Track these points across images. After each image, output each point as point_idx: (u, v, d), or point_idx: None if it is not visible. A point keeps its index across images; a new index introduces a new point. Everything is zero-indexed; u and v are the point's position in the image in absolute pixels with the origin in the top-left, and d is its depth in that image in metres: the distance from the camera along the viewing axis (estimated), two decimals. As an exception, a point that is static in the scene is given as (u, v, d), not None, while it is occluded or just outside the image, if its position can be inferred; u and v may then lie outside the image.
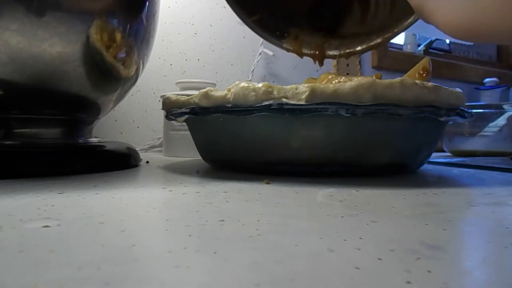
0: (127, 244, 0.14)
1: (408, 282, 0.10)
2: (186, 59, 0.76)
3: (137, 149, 0.47)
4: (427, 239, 0.14)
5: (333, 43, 0.47)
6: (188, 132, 0.42)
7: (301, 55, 0.47)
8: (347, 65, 0.95)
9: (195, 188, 0.26)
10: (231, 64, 0.81)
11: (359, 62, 0.97)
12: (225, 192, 0.25)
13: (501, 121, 0.64)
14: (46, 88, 0.33)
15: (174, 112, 0.36)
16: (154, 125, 0.72)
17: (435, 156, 0.61)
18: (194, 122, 0.38)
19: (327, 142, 0.30)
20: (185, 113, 0.34)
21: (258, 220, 0.17)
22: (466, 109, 0.33)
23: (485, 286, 0.11)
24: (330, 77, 0.36)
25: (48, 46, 0.31)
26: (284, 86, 0.29)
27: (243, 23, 0.48)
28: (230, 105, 0.30)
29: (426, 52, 1.14)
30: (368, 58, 1.01)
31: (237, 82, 0.30)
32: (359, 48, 0.46)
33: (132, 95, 0.69)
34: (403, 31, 0.43)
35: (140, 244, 0.14)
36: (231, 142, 0.34)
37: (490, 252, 0.14)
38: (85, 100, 0.37)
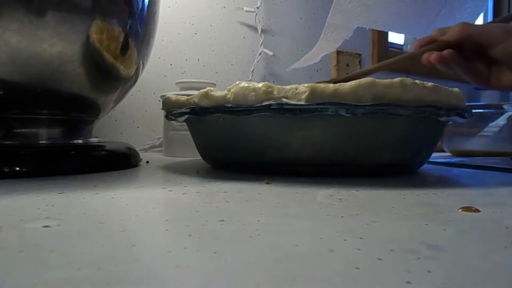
0: (127, 244, 0.14)
1: (408, 282, 0.10)
2: (186, 59, 0.76)
3: (137, 149, 0.47)
4: (427, 239, 0.14)
5: None
6: (188, 132, 0.42)
7: None
8: (347, 65, 0.95)
9: (195, 188, 0.26)
10: (231, 64, 0.81)
11: (359, 62, 0.97)
12: (225, 192, 0.25)
13: (501, 121, 0.64)
14: (46, 88, 0.33)
15: (174, 112, 0.36)
16: (154, 125, 0.72)
17: (435, 156, 0.61)
18: (194, 122, 0.38)
19: (327, 142, 0.30)
20: (185, 113, 0.34)
21: (258, 220, 0.17)
22: (466, 109, 0.33)
23: (485, 286, 0.11)
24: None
25: (48, 46, 0.31)
26: (284, 86, 0.29)
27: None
28: (230, 105, 0.30)
29: (426, 52, 1.14)
30: (368, 59, 1.01)
31: (237, 82, 0.30)
32: None
33: (132, 95, 0.69)
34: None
35: (140, 244, 0.14)
36: (231, 142, 0.34)
37: (490, 252, 0.14)
38: (85, 100, 0.37)
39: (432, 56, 0.43)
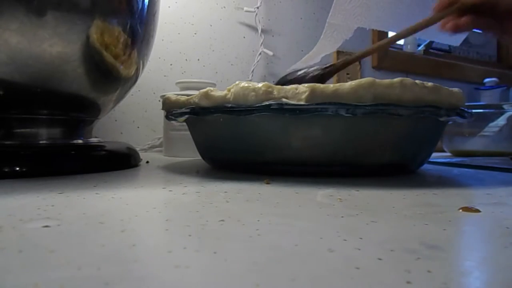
0: (127, 244, 0.14)
1: (408, 282, 0.10)
2: (186, 59, 0.76)
3: (137, 149, 0.47)
4: (427, 239, 0.14)
5: None
6: (188, 132, 0.42)
7: None
8: (347, 65, 0.94)
9: (195, 188, 0.26)
10: (231, 64, 0.81)
11: (359, 62, 0.97)
12: (225, 192, 0.25)
13: (501, 121, 0.64)
14: (46, 88, 0.33)
15: (174, 112, 0.36)
16: (154, 125, 0.72)
17: (435, 156, 0.61)
18: (194, 122, 0.38)
19: (327, 142, 0.30)
20: (185, 113, 0.34)
21: (258, 220, 0.17)
22: (466, 109, 0.33)
23: (485, 286, 0.11)
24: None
25: (48, 46, 0.31)
26: (284, 86, 0.29)
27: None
28: (230, 105, 0.30)
29: (426, 52, 1.14)
30: (368, 58, 1.01)
31: (237, 82, 0.30)
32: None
33: (132, 95, 0.69)
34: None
35: (140, 244, 0.14)
36: (231, 142, 0.34)
37: (490, 252, 0.14)
38: (85, 100, 0.37)
39: (447, 26, 0.42)
